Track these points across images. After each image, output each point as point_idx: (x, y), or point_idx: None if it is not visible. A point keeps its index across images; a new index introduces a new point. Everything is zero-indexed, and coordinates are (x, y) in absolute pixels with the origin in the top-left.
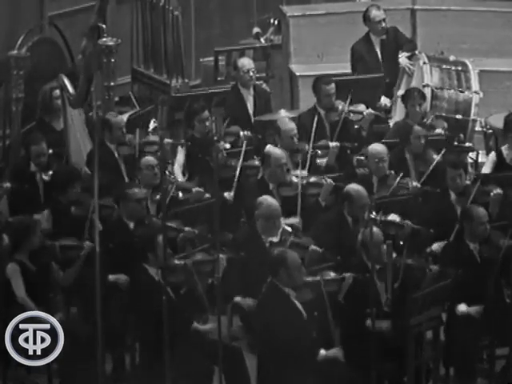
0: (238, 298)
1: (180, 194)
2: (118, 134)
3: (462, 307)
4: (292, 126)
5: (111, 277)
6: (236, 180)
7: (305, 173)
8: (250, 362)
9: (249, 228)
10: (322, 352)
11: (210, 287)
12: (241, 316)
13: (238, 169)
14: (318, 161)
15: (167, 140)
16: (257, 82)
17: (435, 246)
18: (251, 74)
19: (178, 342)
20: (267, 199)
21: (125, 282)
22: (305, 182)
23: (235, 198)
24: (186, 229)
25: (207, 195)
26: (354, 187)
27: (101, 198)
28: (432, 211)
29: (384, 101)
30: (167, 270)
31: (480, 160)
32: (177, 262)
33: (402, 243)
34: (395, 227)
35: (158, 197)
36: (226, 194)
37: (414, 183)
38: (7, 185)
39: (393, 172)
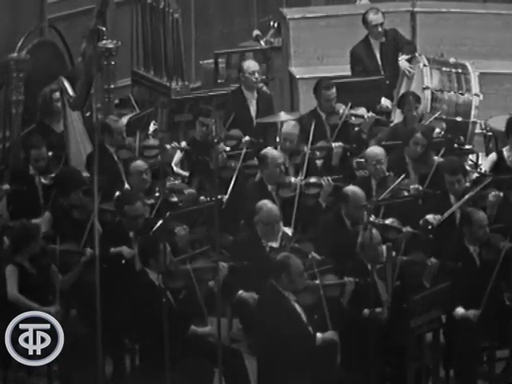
0: (241, 292)
1: (174, 198)
2: (119, 139)
3: (460, 310)
4: (290, 129)
5: (113, 250)
6: (233, 181)
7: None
8: (250, 365)
9: (249, 233)
10: (319, 336)
11: (209, 291)
12: (241, 318)
13: (237, 170)
14: (318, 162)
15: (167, 146)
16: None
17: (430, 217)
18: (256, 76)
19: (178, 344)
20: (267, 204)
21: (129, 254)
22: (304, 182)
23: (234, 199)
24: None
25: (202, 198)
26: (350, 188)
27: (102, 202)
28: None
29: (385, 102)
30: (168, 275)
31: (480, 162)
32: (182, 267)
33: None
34: (394, 231)
35: (150, 201)
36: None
37: (416, 185)
38: (6, 187)
39: (391, 173)
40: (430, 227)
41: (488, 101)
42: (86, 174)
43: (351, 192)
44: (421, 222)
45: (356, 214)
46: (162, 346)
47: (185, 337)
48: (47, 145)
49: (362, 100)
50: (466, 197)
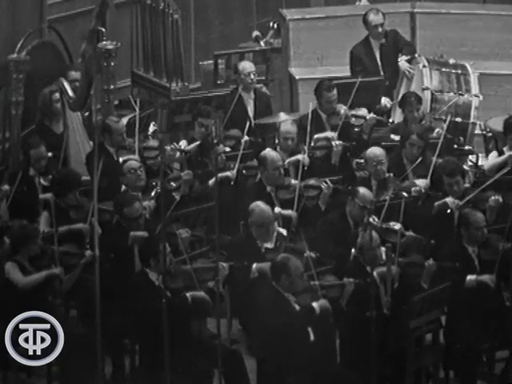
0: (256, 264)
1: (173, 184)
2: (119, 139)
3: (473, 277)
4: (288, 127)
5: (133, 233)
6: (234, 179)
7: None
8: (249, 365)
9: (244, 234)
10: (315, 305)
11: (209, 291)
12: (240, 319)
13: (236, 167)
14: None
15: (167, 147)
16: (256, 86)
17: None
18: (252, 76)
19: (178, 345)
20: (259, 205)
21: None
22: (303, 184)
23: (234, 200)
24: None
25: (211, 182)
26: (362, 188)
27: (100, 202)
28: (430, 215)
29: (384, 100)
30: (168, 276)
31: (480, 163)
32: (182, 267)
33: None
34: (395, 235)
35: (152, 194)
36: (228, 173)
37: (418, 187)
38: (6, 187)
39: (391, 175)
40: (448, 211)
41: (487, 102)
42: (85, 178)
43: (360, 190)
44: (436, 203)
45: (358, 213)
46: (162, 347)
47: (185, 336)
48: (47, 146)
49: (361, 100)
50: (478, 190)
